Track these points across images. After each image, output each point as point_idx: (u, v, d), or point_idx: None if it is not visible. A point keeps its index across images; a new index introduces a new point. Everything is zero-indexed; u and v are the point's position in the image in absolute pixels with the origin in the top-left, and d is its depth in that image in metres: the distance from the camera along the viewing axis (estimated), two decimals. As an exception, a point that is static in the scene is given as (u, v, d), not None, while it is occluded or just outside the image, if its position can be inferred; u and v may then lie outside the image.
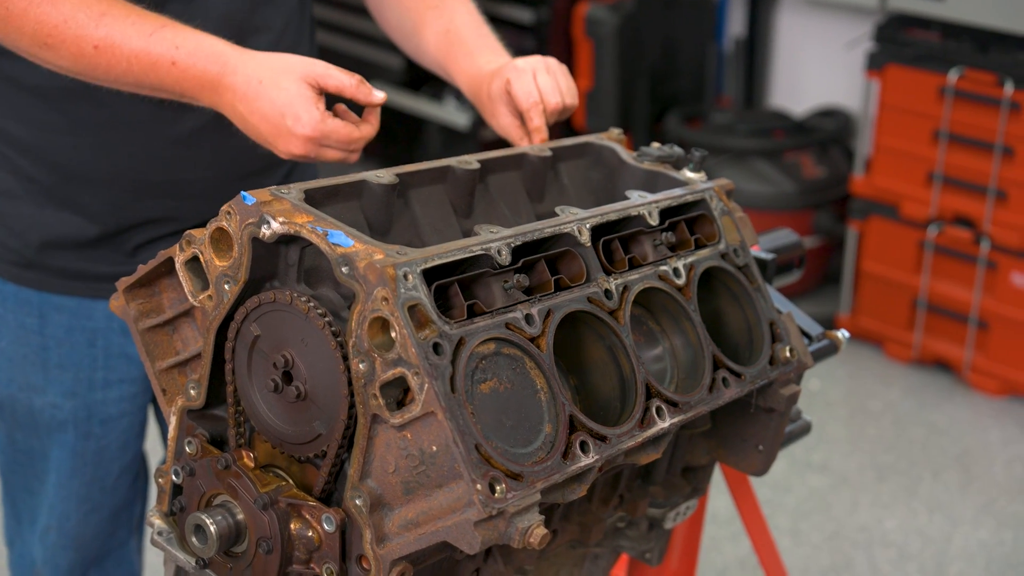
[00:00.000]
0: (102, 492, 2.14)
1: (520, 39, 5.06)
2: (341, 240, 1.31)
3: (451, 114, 5.13)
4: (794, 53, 5.22)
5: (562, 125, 5.08)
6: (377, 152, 5.77)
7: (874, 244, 4.44)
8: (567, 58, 5.04)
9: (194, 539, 1.40)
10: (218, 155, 1.96)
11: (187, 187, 1.97)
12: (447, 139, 5.32)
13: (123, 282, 1.52)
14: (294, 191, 1.39)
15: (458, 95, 5.19)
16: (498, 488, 1.25)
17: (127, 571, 2.29)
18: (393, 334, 1.26)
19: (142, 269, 1.50)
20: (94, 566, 2.22)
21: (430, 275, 1.31)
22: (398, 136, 5.56)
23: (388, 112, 5.44)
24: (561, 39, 5.05)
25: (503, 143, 1.91)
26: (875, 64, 4.36)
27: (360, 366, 1.29)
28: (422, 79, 5.37)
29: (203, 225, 1.43)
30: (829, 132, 4.90)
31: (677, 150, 1.78)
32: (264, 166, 2.04)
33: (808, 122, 4.96)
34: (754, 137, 4.77)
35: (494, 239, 1.39)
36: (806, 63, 5.20)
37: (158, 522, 1.52)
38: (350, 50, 5.56)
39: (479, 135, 5.08)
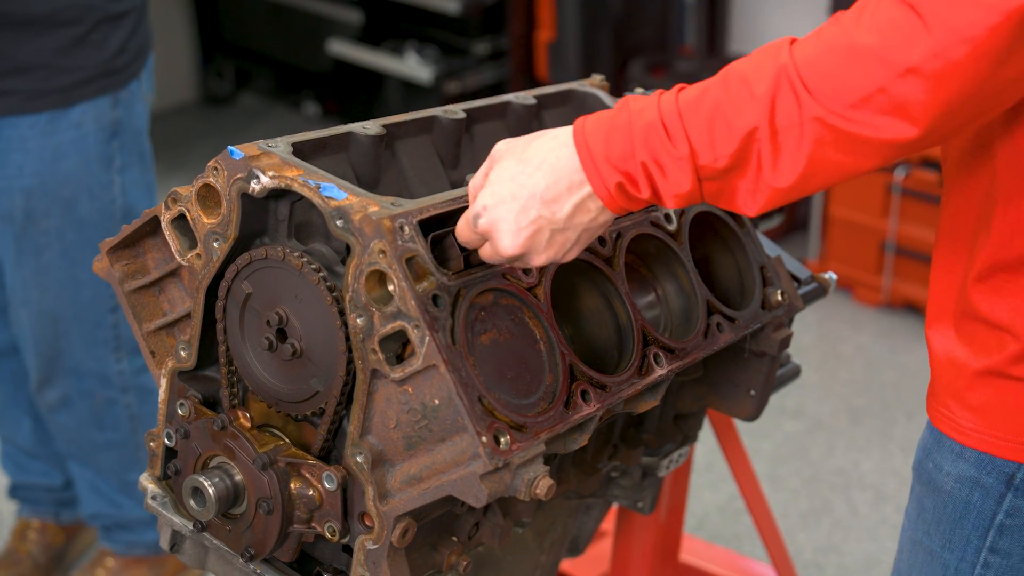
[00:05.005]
0: None
1: (481, -9, 5.01)
2: (334, 193, 1.28)
3: (412, 68, 5.07)
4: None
5: (526, 78, 5.04)
6: (336, 109, 5.71)
7: (841, 188, 4.45)
8: (529, 9, 4.99)
9: (192, 502, 1.38)
10: None
11: None
12: (408, 94, 5.26)
13: (106, 243, 1.49)
14: (281, 144, 1.36)
15: (419, 49, 5.13)
16: (503, 440, 1.24)
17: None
18: (391, 287, 1.24)
19: (126, 229, 1.47)
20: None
21: (425, 226, 1.29)
22: (358, 92, 5.50)
23: (347, 67, 5.39)
24: (523, -10, 5.00)
25: (466, 98, 1.88)
26: (839, 8, 4.34)
27: (358, 321, 1.26)
28: (382, 34, 5.30)
29: None
30: (792, 78, 4.88)
31: (661, 95, 1.76)
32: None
33: (771, 68, 4.94)
34: (718, 85, 4.74)
35: (488, 188, 1.37)
36: (766, 9, 5.18)
37: (151, 486, 1.50)
38: (307, 5, 5.49)
39: (442, 90, 5.03)
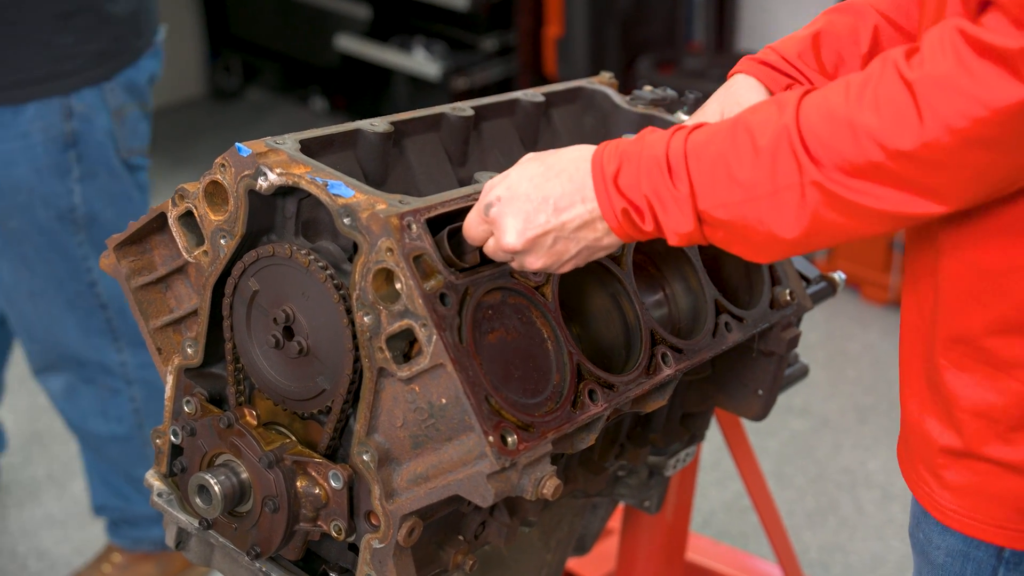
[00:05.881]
0: None
1: (489, -14, 5.00)
2: (342, 190, 1.27)
3: (420, 64, 5.06)
4: (764, -4, 5.19)
5: (534, 74, 5.03)
6: (343, 105, 5.70)
7: (849, 187, 4.43)
8: (537, 5, 4.98)
9: (197, 500, 1.37)
10: None
11: None
12: (416, 90, 5.26)
13: (113, 239, 1.48)
14: (289, 141, 1.36)
15: (427, 45, 5.12)
16: (510, 440, 1.23)
17: None
18: (399, 285, 1.23)
19: (132, 226, 1.46)
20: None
21: (433, 224, 1.28)
22: (365, 87, 5.50)
23: (355, 63, 5.39)
24: (531, -14, 4.99)
25: (474, 94, 1.87)
26: (847, 5, 4.32)
27: (365, 319, 1.26)
28: (390, 29, 5.30)
29: None
30: (801, 75, 4.86)
31: (670, 93, 1.75)
32: None
33: (780, 65, 4.93)
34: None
35: (496, 186, 1.36)
36: (776, 6, 5.17)
37: (157, 483, 1.49)
38: (314, 0, 5.48)
39: (449, 85, 5.02)
